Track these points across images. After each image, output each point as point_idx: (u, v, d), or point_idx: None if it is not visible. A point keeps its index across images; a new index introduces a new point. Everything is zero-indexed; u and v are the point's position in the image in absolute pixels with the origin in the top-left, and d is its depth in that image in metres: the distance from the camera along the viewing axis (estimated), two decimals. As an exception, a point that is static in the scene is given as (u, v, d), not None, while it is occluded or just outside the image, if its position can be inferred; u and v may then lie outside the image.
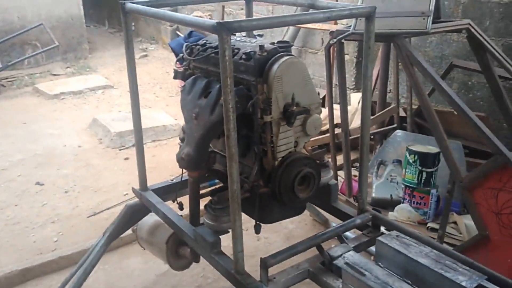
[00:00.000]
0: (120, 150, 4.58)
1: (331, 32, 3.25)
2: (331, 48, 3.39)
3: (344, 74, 3.22)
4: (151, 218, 2.47)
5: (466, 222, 3.00)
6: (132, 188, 2.45)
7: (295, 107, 1.78)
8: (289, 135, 1.86)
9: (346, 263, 1.60)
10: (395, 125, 3.94)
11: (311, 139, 4.14)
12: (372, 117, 3.75)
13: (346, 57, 4.92)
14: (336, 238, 1.95)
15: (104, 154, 4.50)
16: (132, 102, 2.26)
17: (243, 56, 1.83)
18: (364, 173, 2.02)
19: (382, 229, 2.02)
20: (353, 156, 4.38)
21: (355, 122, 4.09)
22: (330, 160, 2.50)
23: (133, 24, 9.70)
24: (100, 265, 2.95)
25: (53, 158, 4.41)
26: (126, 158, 4.38)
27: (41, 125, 5.22)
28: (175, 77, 2.17)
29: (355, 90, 4.88)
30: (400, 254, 1.61)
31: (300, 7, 4.42)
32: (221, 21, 1.47)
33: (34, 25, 7.17)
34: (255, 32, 3.90)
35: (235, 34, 2.12)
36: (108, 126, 4.84)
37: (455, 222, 3.10)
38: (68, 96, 6.18)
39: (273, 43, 1.88)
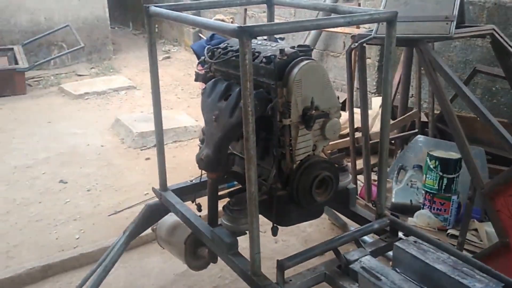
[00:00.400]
0: (141, 150, 4.64)
1: (353, 36, 3.25)
2: (353, 52, 3.40)
3: (365, 78, 3.22)
4: (171, 218, 2.50)
5: (487, 229, 2.96)
6: (152, 188, 2.48)
7: (314, 111, 1.79)
8: (308, 139, 1.87)
9: (363, 268, 1.61)
10: (416, 130, 3.91)
11: (331, 143, 4.15)
12: (393, 122, 3.73)
13: (368, 61, 4.89)
14: (354, 242, 1.95)
15: (126, 154, 4.56)
16: (153, 104, 2.30)
17: (264, 60, 1.84)
18: (383, 178, 2.01)
19: (400, 234, 2.01)
20: (373, 160, 4.37)
21: (376, 126, 4.07)
22: (349, 164, 2.49)
23: (156, 26, 9.83)
24: (121, 263, 3.00)
25: (76, 157, 4.49)
26: (147, 158, 4.44)
27: (65, 124, 5.32)
28: (196, 80, 2.20)
29: (377, 94, 4.85)
30: (417, 260, 1.61)
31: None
32: (242, 25, 1.49)
33: (60, 26, 7.32)
34: (276, 36, 3.93)
35: (256, 38, 2.14)
36: (130, 126, 4.91)
37: (475, 229, 3.07)
38: (92, 96, 6.29)
39: (293, 47, 1.89)
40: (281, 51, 1.83)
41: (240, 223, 1.92)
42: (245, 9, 6.60)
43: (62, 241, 3.23)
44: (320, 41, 5.55)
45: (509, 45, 3.04)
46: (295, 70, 1.78)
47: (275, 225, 1.93)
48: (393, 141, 4.19)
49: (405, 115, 3.82)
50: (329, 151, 2.07)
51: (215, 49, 2.13)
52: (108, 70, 7.64)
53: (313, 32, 5.43)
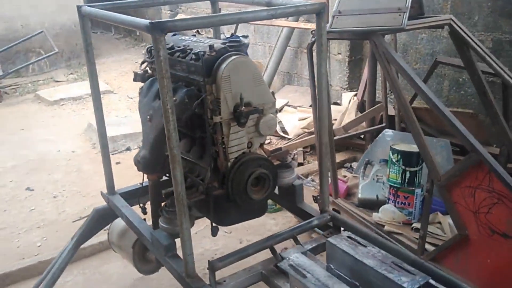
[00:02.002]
0: (112, 154, 4.57)
1: (312, 31, 3.21)
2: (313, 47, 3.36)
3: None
4: (122, 222, 2.46)
5: (450, 222, 2.92)
6: (101, 192, 2.44)
7: (243, 107, 1.75)
8: (241, 136, 1.83)
9: (290, 265, 1.57)
10: (384, 124, 3.87)
11: (297, 140, 4.12)
12: (357, 117, 3.70)
13: (339, 57, 4.87)
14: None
15: (96, 159, 4.50)
16: (94, 106, 2.26)
17: (193, 57, 1.81)
18: (324, 173, 1.97)
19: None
20: (346, 156, 4.35)
21: (344, 122, 4.03)
22: (293, 160, 2.45)
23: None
24: (80, 270, 2.97)
25: (45, 163, 4.44)
26: (118, 163, 4.39)
27: (37, 131, 5.27)
28: (134, 79, 2.16)
29: (349, 90, 4.82)
30: (348, 255, 1.57)
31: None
32: (153, 21, 1.45)
33: (35, 33, 7.26)
34: (239, 33, 3.90)
35: (192, 34, 2.10)
36: (102, 131, 4.86)
37: (440, 222, 3.03)
38: (67, 102, 6.24)
39: (224, 42, 1.85)
40: (211, 47, 1.79)
41: (176, 225, 1.88)
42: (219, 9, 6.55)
43: (24, 249, 3.18)
44: (293, 38, 5.51)
45: (467, 35, 3.00)
46: (223, 66, 1.74)
47: (214, 225, 1.90)
48: (362, 136, 4.17)
49: (369, 110, 3.79)
50: (270, 149, 2.03)
51: (152, 48, 2.09)
52: (87, 75, 7.56)
53: (285, 29, 5.39)
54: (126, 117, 5.47)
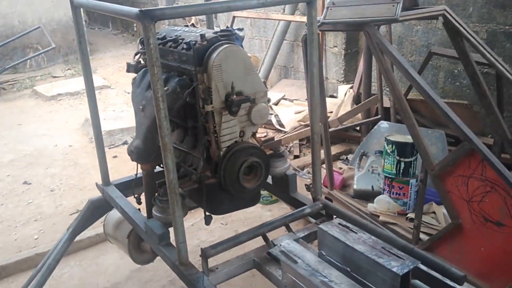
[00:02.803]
0: (109, 148, 4.60)
1: (307, 24, 3.22)
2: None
3: (321, 65, 3.18)
4: (117, 213, 2.47)
5: (445, 211, 2.93)
6: (96, 183, 2.45)
7: (235, 96, 1.76)
8: (233, 125, 1.84)
9: (281, 251, 1.58)
10: (379, 116, 3.88)
11: (294, 133, 4.13)
12: (352, 108, 3.71)
13: (335, 50, 4.87)
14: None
15: (93, 153, 4.47)
16: (88, 97, 2.27)
17: (184, 46, 1.81)
18: (316, 162, 1.98)
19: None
20: (342, 148, 4.36)
21: (339, 114, 4.04)
22: (286, 150, 2.46)
23: (135, 25, 9.79)
24: (77, 261, 2.99)
25: (42, 158, 4.46)
26: (115, 156, 4.41)
27: (35, 126, 5.29)
28: (128, 70, 2.16)
29: (345, 83, 4.83)
30: (339, 242, 1.58)
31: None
32: (143, 9, 1.45)
33: (32, 29, 7.25)
34: (235, 26, 3.90)
35: (184, 24, 2.10)
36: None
37: (434, 212, 3.05)
38: (65, 97, 6.25)
39: (215, 32, 1.86)
40: (202, 36, 1.80)
41: (169, 213, 1.89)
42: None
43: (21, 242, 3.20)
44: (289, 32, 5.51)
45: (461, 26, 3.01)
46: (214, 54, 1.75)
47: (207, 214, 1.91)
48: (358, 128, 4.18)
49: (364, 102, 3.79)
50: (262, 138, 2.04)
51: (145, 39, 2.09)
52: (84, 71, 7.58)
53: (281, 23, 5.39)
54: (123, 112, 5.48)
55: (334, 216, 1.93)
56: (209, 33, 1.84)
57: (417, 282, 1.52)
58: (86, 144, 4.74)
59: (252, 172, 1.87)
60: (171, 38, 1.92)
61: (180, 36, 1.93)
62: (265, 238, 1.78)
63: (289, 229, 1.87)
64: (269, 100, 1.93)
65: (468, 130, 2.42)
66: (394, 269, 1.41)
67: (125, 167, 3.95)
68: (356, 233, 1.61)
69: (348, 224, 1.66)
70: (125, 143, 4.69)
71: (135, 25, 9.89)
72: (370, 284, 1.47)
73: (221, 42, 1.79)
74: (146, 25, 1.44)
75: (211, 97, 1.77)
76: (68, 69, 7.76)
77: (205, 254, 1.67)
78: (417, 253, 1.55)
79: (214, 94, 1.77)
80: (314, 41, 1.81)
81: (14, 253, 3.05)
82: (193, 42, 1.78)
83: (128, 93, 6.35)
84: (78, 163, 4.33)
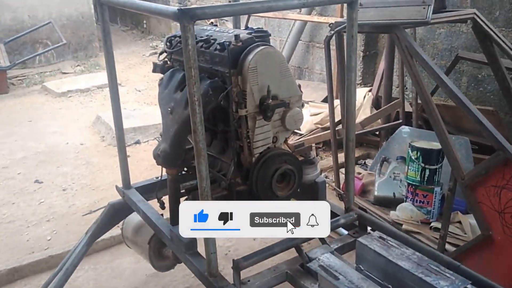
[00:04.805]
0: (122, 147, 4.51)
1: (330, 24, 3.14)
2: (331, 41, 3.28)
3: (344, 68, 3.10)
4: (137, 217, 2.39)
5: (471, 221, 2.84)
6: (116, 186, 2.38)
7: (271, 100, 1.68)
8: (267, 130, 1.76)
9: (321, 266, 1.50)
10: (400, 121, 3.79)
11: (312, 136, 4.04)
12: (373, 113, 3.63)
13: (353, 51, 4.77)
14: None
15: (105, 152, 4.45)
16: (111, 98, 2.19)
17: (218, 47, 1.73)
18: (350, 171, 1.90)
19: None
20: (360, 152, 4.27)
21: (359, 118, 3.95)
22: (317, 156, 2.38)
23: (144, 22, 9.72)
24: (91, 265, 2.91)
25: (54, 156, 4.38)
26: (127, 156, 4.31)
27: (45, 123, 5.21)
28: (154, 70, 2.08)
29: (363, 85, 4.73)
30: (380, 256, 1.50)
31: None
32: (182, 7, 1.37)
33: (42, 24, 7.18)
34: (254, 26, 3.81)
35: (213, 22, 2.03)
36: (111, 123, 4.76)
37: (460, 222, 2.96)
38: (75, 94, 6.17)
39: (250, 33, 1.78)
40: (236, 37, 1.72)
41: (198, 221, 1.81)
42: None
43: (34, 243, 3.12)
44: (305, 32, 5.42)
45: (491, 30, 2.92)
46: (250, 56, 1.67)
47: (236, 222, 1.82)
48: (377, 132, 4.09)
49: (387, 105, 3.71)
50: (292, 143, 1.96)
51: (172, 38, 2.02)
52: (94, 67, 7.52)
53: (297, 23, 5.31)
54: (134, 110, 5.40)
55: (369, 228, 1.85)
56: (243, 34, 1.75)
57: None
58: (97, 143, 4.66)
59: (285, 180, 1.80)
60: (202, 38, 1.84)
61: (211, 36, 1.85)
62: (299, 250, 1.69)
63: (323, 240, 1.78)
64: (303, 105, 1.85)
65: (502, 139, 2.33)
66: (444, 289, 1.32)
67: (137, 168, 3.87)
68: (398, 248, 1.52)
69: (389, 238, 1.58)
70: (137, 142, 4.61)
71: (144, 21, 9.81)
72: (416, 304, 1.39)
73: (256, 44, 1.71)
74: (185, 25, 1.36)
75: (245, 100, 1.69)
76: (78, 65, 7.68)
77: (237, 266, 1.59)
78: (464, 270, 1.47)
79: (249, 97, 1.68)
80: (354, 44, 1.73)
81: (26, 254, 2.98)
82: (227, 43, 1.70)
83: (139, 91, 6.28)
84: (90, 162, 4.25)
